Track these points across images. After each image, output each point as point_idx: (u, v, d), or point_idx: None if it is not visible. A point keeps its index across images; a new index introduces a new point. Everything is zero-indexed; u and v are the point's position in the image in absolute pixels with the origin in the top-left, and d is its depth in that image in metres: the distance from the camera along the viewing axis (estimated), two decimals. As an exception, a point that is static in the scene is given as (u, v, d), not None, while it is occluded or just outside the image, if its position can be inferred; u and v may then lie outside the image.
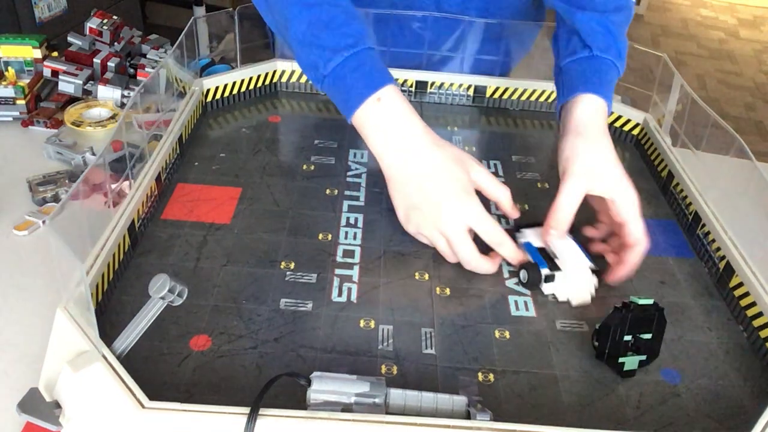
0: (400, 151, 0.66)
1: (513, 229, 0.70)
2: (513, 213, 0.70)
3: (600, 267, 0.65)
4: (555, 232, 0.66)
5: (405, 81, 0.97)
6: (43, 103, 0.96)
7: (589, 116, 0.71)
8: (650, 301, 0.56)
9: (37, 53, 0.98)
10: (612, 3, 0.77)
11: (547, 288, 0.64)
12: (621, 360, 0.56)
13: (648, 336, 0.56)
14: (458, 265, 0.67)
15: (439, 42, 0.98)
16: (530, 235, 0.68)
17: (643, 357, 0.56)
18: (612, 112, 0.74)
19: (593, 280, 0.64)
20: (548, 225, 0.66)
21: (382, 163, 0.67)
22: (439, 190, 0.65)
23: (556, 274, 0.64)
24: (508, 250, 0.65)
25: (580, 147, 0.69)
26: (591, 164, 0.68)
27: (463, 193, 0.65)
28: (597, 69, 0.76)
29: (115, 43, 1.05)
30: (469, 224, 0.64)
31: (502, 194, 0.68)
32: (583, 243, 0.68)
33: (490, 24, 0.95)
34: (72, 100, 0.97)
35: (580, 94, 0.73)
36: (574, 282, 0.64)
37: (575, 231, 0.68)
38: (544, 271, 0.64)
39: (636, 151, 0.91)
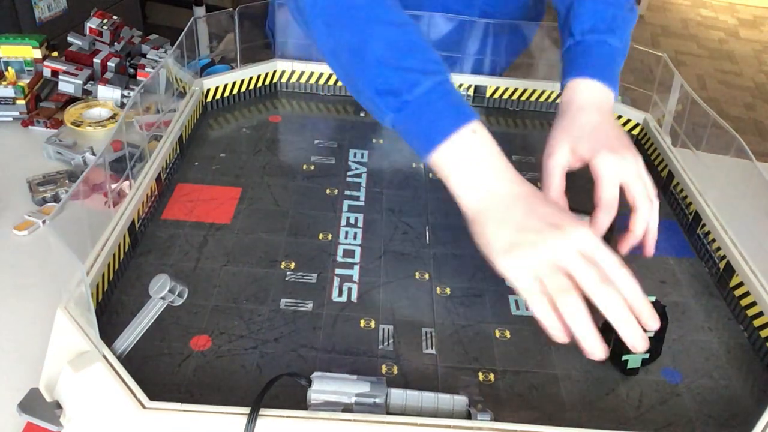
0: (497, 180, 0.58)
1: None
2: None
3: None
4: None
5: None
6: (43, 103, 0.96)
7: (572, 97, 0.70)
8: (652, 299, 0.54)
9: (37, 53, 0.98)
10: None
11: None
12: (624, 358, 0.56)
13: (650, 334, 0.54)
14: (458, 265, 0.67)
15: (443, 42, 0.98)
16: None
17: (646, 356, 0.56)
18: (618, 97, 0.74)
19: None
20: None
21: (469, 194, 0.58)
22: (556, 212, 0.55)
23: None
24: (636, 292, 0.52)
25: (558, 124, 0.68)
26: (567, 135, 0.66)
27: (584, 225, 0.55)
28: (581, 53, 0.74)
29: (115, 43, 1.05)
30: (585, 248, 0.52)
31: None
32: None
33: (494, 23, 0.95)
34: (72, 100, 0.97)
35: (565, 82, 0.72)
36: None
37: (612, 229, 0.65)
38: None
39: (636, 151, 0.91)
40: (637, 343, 0.51)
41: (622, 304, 0.51)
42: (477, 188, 0.57)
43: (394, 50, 0.60)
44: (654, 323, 0.52)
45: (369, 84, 0.61)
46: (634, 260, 0.70)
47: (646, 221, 0.63)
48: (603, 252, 0.52)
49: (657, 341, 0.56)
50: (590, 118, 0.67)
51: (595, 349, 0.50)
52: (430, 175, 0.81)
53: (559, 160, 0.66)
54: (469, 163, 0.58)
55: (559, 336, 0.52)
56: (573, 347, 0.59)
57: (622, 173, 0.63)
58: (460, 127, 0.57)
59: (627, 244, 0.64)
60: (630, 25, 0.77)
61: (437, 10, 0.93)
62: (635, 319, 0.51)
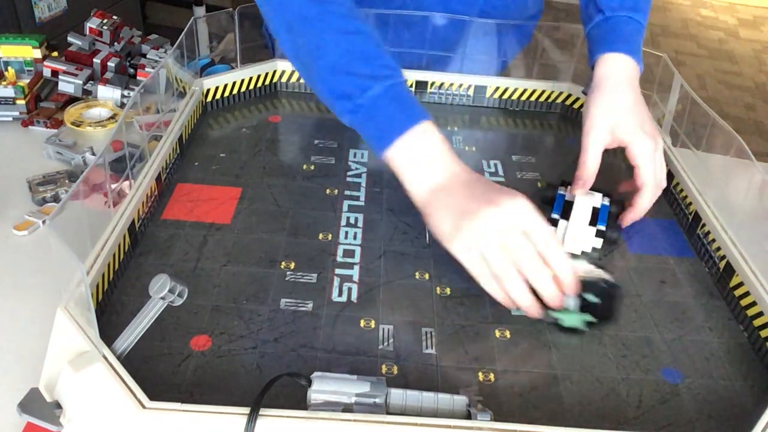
0: (448, 174, 0.62)
1: (558, 184, 0.75)
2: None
3: (613, 234, 0.70)
4: (582, 182, 0.71)
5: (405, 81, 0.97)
6: (43, 103, 0.96)
7: (606, 72, 0.75)
8: (606, 276, 0.61)
9: (37, 53, 0.98)
10: None
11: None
12: (557, 315, 0.60)
13: (595, 300, 0.59)
14: (458, 265, 0.67)
15: (444, 42, 0.98)
16: (575, 195, 0.72)
17: (589, 318, 0.60)
18: (642, 65, 0.78)
19: (593, 240, 0.69)
20: (576, 178, 0.71)
21: (418, 189, 0.63)
22: (493, 191, 0.60)
23: (561, 221, 0.69)
24: (563, 264, 0.58)
25: (597, 100, 0.73)
26: (607, 114, 0.72)
27: (511, 197, 0.59)
28: (612, 28, 0.79)
29: (115, 43, 1.05)
30: (526, 225, 0.58)
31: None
32: (616, 213, 0.73)
33: (493, 23, 0.96)
34: (72, 100, 0.97)
35: (598, 57, 0.77)
36: (573, 233, 0.69)
37: (616, 202, 0.73)
38: (554, 215, 0.70)
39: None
40: (554, 304, 0.58)
41: (545, 278, 0.58)
42: (424, 182, 0.63)
43: (346, 58, 0.64)
44: (569, 290, 0.59)
45: (326, 88, 0.66)
46: (635, 259, 0.70)
47: (652, 202, 0.72)
48: (536, 224, 0.58)
49: (605, 307, 0.60)
50: (626, 97, 0.74)
51: (534, 313, 0.59)
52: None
53: (599, 138, 0.72)
54: (416, 161, 0.63)
55: (509, 305, 0.59)
56: (573, 347, 0.59)
57: (654, 156, 0.72)
58: (408, 128, 0.62)
59: (629, 219, 0.73)
60: (650, 3, 0.82)
61: (438, 10, 0.93)
62: (556, 288, 0.58)
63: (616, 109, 0.73)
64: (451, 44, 0.98)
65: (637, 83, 0.76)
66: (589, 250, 0.70)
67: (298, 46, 0.69)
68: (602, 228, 0.69)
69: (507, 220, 0.58)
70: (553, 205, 0.72)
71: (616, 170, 0.77)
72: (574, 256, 0.68)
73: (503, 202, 0.58)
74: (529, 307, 0.58)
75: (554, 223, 0.69)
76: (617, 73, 0.75)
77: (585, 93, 0.94)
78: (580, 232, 0.69)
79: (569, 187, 0.73)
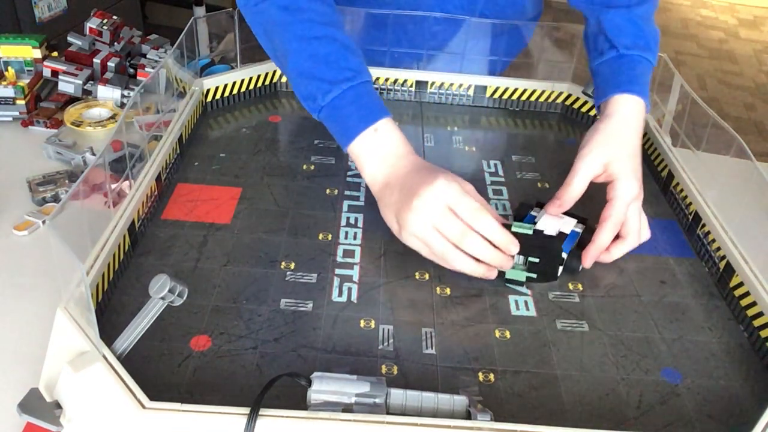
0: (391, 171, 0.67)
1: (533, 204, 0.73)
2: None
3: (573, 263, 0.67)
4: (559, 203, 0.69)
5: (405, 81, 0.97)
6: (43, 103, 0.96)
7: (619, 110, 0.74)
8: (529, 231, 0.63)
9: (37, 53, 0.98)
10: None
11: None
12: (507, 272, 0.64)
13: (535, 259, 0.63)
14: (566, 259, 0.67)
15: (441, 42, 0.98)
16: (543, 215, 0.70)
17: (531, 274, 0.64)
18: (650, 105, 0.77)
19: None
20: (554, 197, 0.70)
21: (374, 187, 0.69)
22: (420, 180, 0.64)
23: None
24: (500, 233, 0.62)
25: (600, 132, 0.72)
26: (609, 145, 0.70)
27: (443, 176, 0.63)
28: (626, 67, 0.77)
29: (115, 43, 1.05)
30: (449, 203, 0.62)
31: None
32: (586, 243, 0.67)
33: (492, 23, 0.96)
34: (72, 100, 0.97)
35: (611, 96, 0.75)
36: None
37: (590, 230, 0.69)
38: None
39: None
40: (502, 266, 0.63)
41: (479, 247, 0.62)
42: (377, 177, 0.68)
43: (310, 63, 0.70)
44: (513, 249, 0.63)
45: (295, 88, 0.73)
46: (635, 259, 0.70)
47: (623, 253, 0.69)
48: (457, 198, 0.62)
49: (546, 265, 0.64)
50: (631, 140, 0.72)
51: (491, 276, 0.63)
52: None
53: (593, 165, 0.69)
54: (372, 157, 0.68)
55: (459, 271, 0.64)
56: (573, 347, 0.59)
57: (632, 203, 0.68)
58: (365, 128, 0.68)
59: (590, 258, 0.67)
60: (659, 41, 0.81)
61: (435, 10, 0.94)
62: (493, 251, 0.62)
63: (619, 146, 0.71)
64: (447, 45, 0.99)
65: (642, 125, 0.75)
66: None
67: (274, 49, 0.76)
68: (564, 255, 0.65)
69: (433, 204, 0.62)
70: None
71: (602, 200, 0.69)
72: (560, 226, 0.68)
73: (425, 190, 0.62)
74: (482, 273, 0.63)
75: None
76: (628, 115, 0.74)
77: (585, 93, 0.94)
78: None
79: (543, 210, 0.70)
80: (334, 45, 0.70)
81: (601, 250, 0.67)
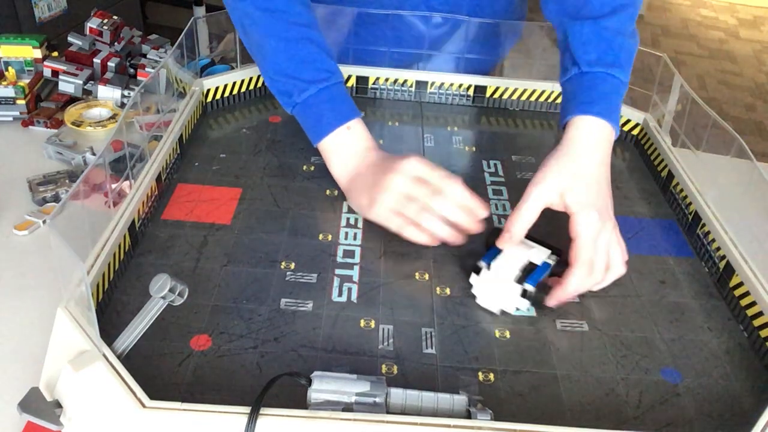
0: (362, 162, 0.72)
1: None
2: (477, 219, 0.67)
3: (537, 293, 0.62)
4: (509, 236, 0.64)
5: (405, 81, 0.97)
6: (43, 103, 0.96)
7: (577, 136, 0.68)
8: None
9: (37, 53, 0.98)
10: (607, 6, 0.73)
11: (473, 278, 0.63)
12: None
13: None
14: (459, 265, 0.67)
15: (428, 41, 0.98)
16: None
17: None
18: (619, 128, 0.71)
19: (516, 300, 0.61)
20: (504, 229, 0.64)
21: (342, 179, 0.74)
22: (392, 164, 0.69)
23: (483, 271, 0.62)
24: (465, 196, 0.66)
25: (555, 159, 0.66)
26: (563, 174, 0.65)
27: (414, 156, 0.68)
28: (587, 86, 0.71)
29: (115, 43, 1.05)
30: (415, 173, 0.67)
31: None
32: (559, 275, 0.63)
33: (480, 22, 0.96)
34: (72, 100, 0.97)
35: (570, 118, 0.69)
36: (495, 287, 0.62)
37: (564, 263, 0.64)
38: (481, 263, 0.62)
39: (636, 151, 0.91)
40: (471, 228, 0.67)
41: (448, 208, 0.66)
42: (346, 171, 0.73)
43: (287, 62, 0.74)
44: (481, 213, 0.67)
45: (270, 84, 0.77)
46: (635, 259, 0.70)
47: (589, 288, 0.64)
48: (424, 170, 0.67)
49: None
50: (590, 167, 0.66)
51: (456, 241, 0.67)
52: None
53: (545, 193, 0.64)
54: (341, 153, 0.74)
55: (434, 242, 0.67)
56: (573, 347, 0.59)
57: (600, 236, 0.63)
58: (337, 127, 0.73)
59: (555, 299, 0.62)
60: (634, 54, 0.75)
61: (420, 8, 0.94)
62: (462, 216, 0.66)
63: (575, 175, 0.65)
64: (433, 43, 0.99)
65: (609, 152, 0.68)
66: (511, 311, 0.62)
67: (250, 44, 0.79)
68: (531, 288, 0.61)
69: (404, 177, 0.67)
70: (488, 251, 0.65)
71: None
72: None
73: (398, 166, 0.68)
74: (448, 236, 0.66)
75: (477, 270, 0.62)
76: (587, 139, 0.67)
77: None
78: (499, 288, 0.62)
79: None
80: (312, 46, 0.75)
81: (569, 296, 0.62)
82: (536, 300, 0.62)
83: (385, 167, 0.69)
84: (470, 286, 0.64)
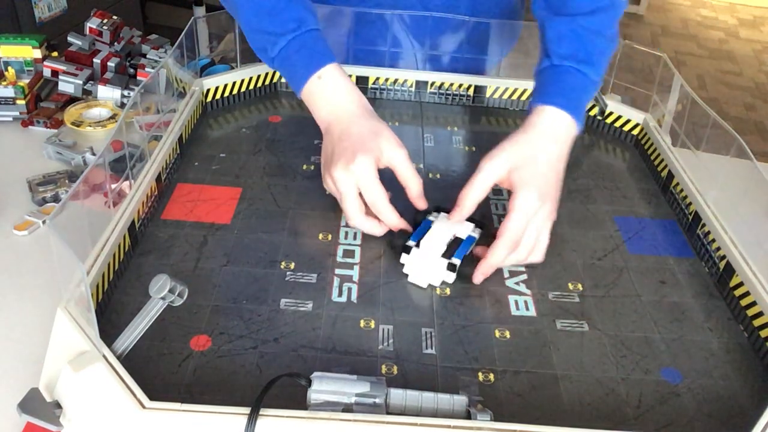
0: (335, 118, 0.71)
1: (432, 209, 0.70)
2: (418, 202, 0.70)
3: (465, 267, 0.64)
4: (461, 209, 0.66)
5: (405, 81, 0.97)
6: (43, 103, 0.96)
7: (537, 122, 0.70)
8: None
9: (37, 53, 0.98)
10: (587, 6, 0.74)
11: (404, 258, 0.65)
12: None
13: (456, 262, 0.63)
14: (458, 265, 0.67)
15: (425, 41, 0.98)
16: (441, 219, 0.68)
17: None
18: (583, 124, 0.72)
19: (443, 273, 0.64)
20: (457, 203, 0.66)
21: (321, 123, 0.73)
22: (346, 147, 0.68)
23: (414, 249, 0.64)
24: (387, 215, 0.67)
25: (511, 139, 0.68)
26: (516, 153, 0.67)
27: (361, 155, 0.66)
28: (555, 79, 0.73)
29: (115, 43, 1.05)
30: (356, 182, 0.66)
31: (411, 182, 0.69)
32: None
33: (477, 22, 0.96)
34: (72, 100, 0.97)
35: (534, 106, 0.71)
36: (424, 263, 0.64)
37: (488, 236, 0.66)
38: (410, 242, 0.65)
39: (636, 151, 0.91)
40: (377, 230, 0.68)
41: (363, 224, 0.68)
42: (324, 118, 0.73)
43: (256, 17, 0.74)
44: (406, 227, 0.68)
45: (251, 42, 0.77)
46: (634, 259, 0.70)
47: (511, 264, 0.66)
48: (368, 185, 0.66)
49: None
50: (544, 153, 0.68)
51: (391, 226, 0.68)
52: (429, 175, 0.81)
53: (496, 168, 0.66)
54: (319, 100, 0.73)
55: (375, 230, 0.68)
56: (573, 347, 0.59)
57: (533, 220, 0.64)
58: (309, 76, 0.72)
59: (480, 275, 0.64)
60: (609, 56, 0.76)
61: (417, 8, 0.94)
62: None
63: (526, 156, 0.67)
64: (430, 42, 0.99)
65: (567, 144, 0.70)
66: (437, 284, 0.64)
67: (228, 6, 0.80)
68: (456, 262, 0.63)
69: (350, 178, 0.66)
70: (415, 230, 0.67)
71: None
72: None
73: (351, 160, 0.66)
74: (370, 230, 0.68)
75: (407, 250, 0.64)
76: (546, 127, 0.69)
77: None
78: (427, 263, 0.64)
79: (441, 214, 0.69)
80: None
81: (493, 267, 0.64)
82: (464, 274, 0.65)
83: (344, 148, 0.67)
84: (470, 285, 0.64)
